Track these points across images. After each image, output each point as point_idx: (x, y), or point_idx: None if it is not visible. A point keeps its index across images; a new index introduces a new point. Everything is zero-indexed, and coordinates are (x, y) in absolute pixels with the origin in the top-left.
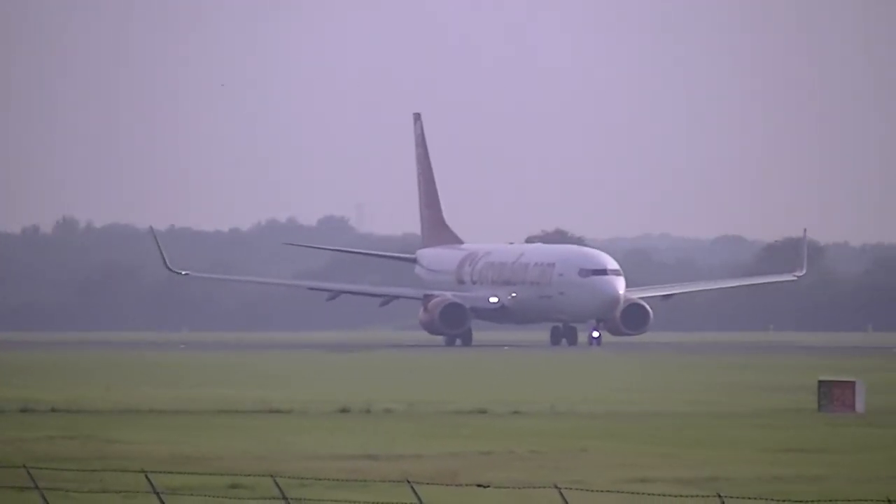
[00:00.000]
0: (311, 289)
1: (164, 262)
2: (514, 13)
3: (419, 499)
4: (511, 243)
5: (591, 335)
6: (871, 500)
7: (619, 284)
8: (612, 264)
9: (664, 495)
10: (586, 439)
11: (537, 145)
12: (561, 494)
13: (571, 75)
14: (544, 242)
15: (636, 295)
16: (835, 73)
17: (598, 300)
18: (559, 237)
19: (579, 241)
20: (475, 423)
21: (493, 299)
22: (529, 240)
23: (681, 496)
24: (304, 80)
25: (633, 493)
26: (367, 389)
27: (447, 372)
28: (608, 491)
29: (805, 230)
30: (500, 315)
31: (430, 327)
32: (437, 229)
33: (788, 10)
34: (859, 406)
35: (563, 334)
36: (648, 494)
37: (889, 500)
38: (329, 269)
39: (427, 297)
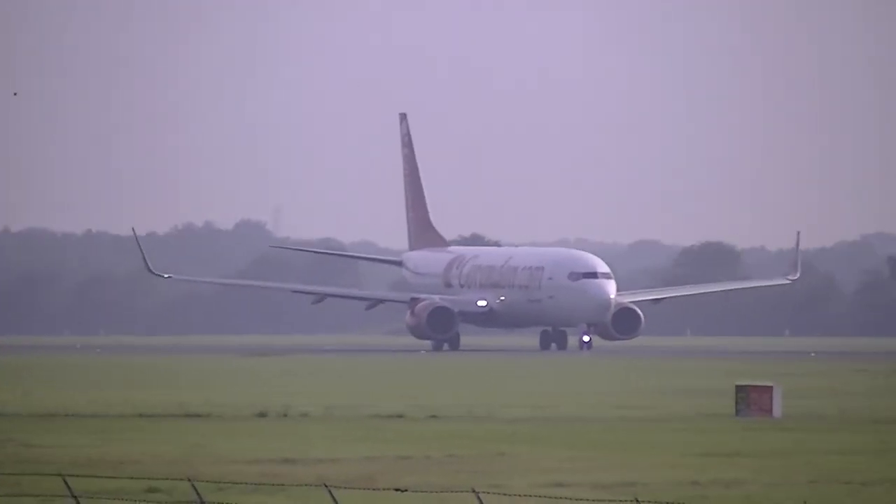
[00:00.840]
0: (296, 291)
1: (146, 265)
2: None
3: (336, 502)
4: (498, 245)
5: (581, 339)
6: None
7: (610, 288)
8: (602, 267)
9: (581, 500)
10: (504, 443)
11: (448, 151)
12: (478, 498)
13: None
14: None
15: (627, 299)
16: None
17: (589, 304)
18: (476, 241)
19: (496, 246)
20: (392, 428)
21: (482, 303)
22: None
23: (597, 501)
24: (218, 84)
25: (549, 497)
26: (286, 394)
27: (377, 376)
28: (525, 495)
29: (798, 233)
30: (489, 319)
31: (417, 331)
32: (423, 231)
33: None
34: (776, 411)
35: (553, 339)
36: (565, 499)
37: None
38: (250, 270)
39: (414, 301)
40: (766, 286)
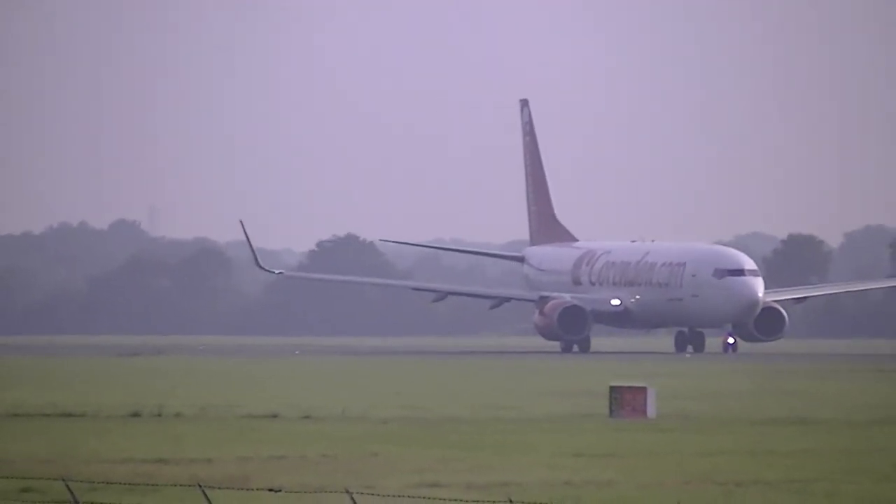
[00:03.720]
0: (416, 289)
1: (256, 261)
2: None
3: (209, 502)
4: (633, 241)
5: (726, 342)
6: None
7: (759, 286)
8: (749, 264)
9: (455, 500)
10: (378, 444)
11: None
12: (352, 499)
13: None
14: (335, 246)
15: (770, 298)
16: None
17: (736, 303)
18: (351, 241)
19: (370, 247)
20: (266, 428)
21: (615, 302)
22: (320, 245)
23: (472, 501)
24: (96, 84)
25: (423, 497)
26: (160, 394)
27: (253, 377)
28: (399, 496)
29: None
30: (623, 319)
31: (546, 332)
32: (546, 225)
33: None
34: (650, 411)
35: (690, 340)
36: (439, 499)
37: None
38: (125, 268)
39: (542, 300)
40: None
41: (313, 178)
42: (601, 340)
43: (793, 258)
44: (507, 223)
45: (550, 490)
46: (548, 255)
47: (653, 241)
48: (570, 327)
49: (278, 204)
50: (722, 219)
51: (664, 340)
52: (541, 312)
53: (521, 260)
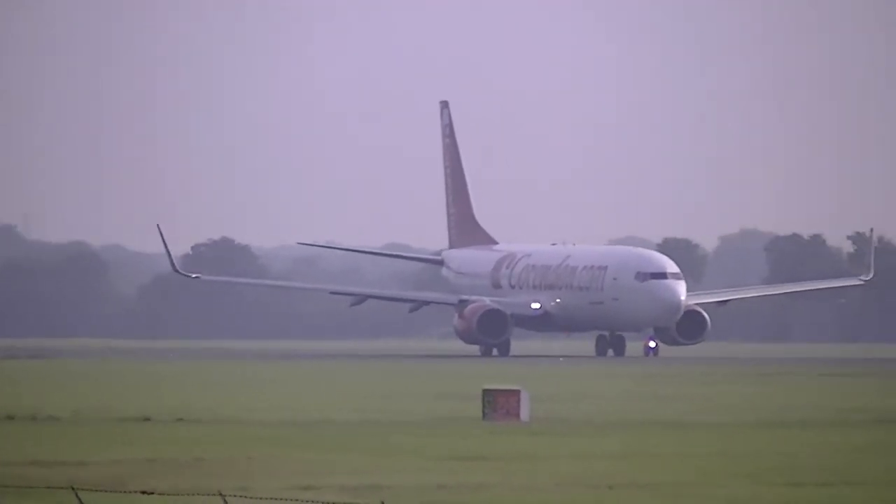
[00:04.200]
0: (334, 293)
1: (173, 266)
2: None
3: None
4: (554, 244)
5: (647, 345)
6: None
7: (681, 289)
8: (671, 267)
9: (329, 503)
10: (252, 446)
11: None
12: (224, 501)
13: None
14: (210, 250)
15: (691, 301)
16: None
17: (658, 307)
18: (226, 244)
19: (245, 249)
20: (139, 431)
21: (535, 305)
22: (195, 248)
23: None
24: None
25: (297, 500)
26: (35, 397)
27: (126, 380)
28: (272, 498)
29: (871, 230)
30: (544, 323)
31: (466, 336)
32: (466, 228)
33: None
34: (523, 415)
35: (610, 344)
36: (312, 502)
37: None
38: (3, 273)
39: (462, 303)
40: (833, 288)
41: (191, 180)
42: (523, 343)
43: None
44: (391, 223)
45: (423, 493)
46: (467, 257)
47: (574, 244)
48: (490, 331)
49: (155, 207)
50: (598, 223)
51: (586, 344)
52: (460, 316)
53: (440, 263)
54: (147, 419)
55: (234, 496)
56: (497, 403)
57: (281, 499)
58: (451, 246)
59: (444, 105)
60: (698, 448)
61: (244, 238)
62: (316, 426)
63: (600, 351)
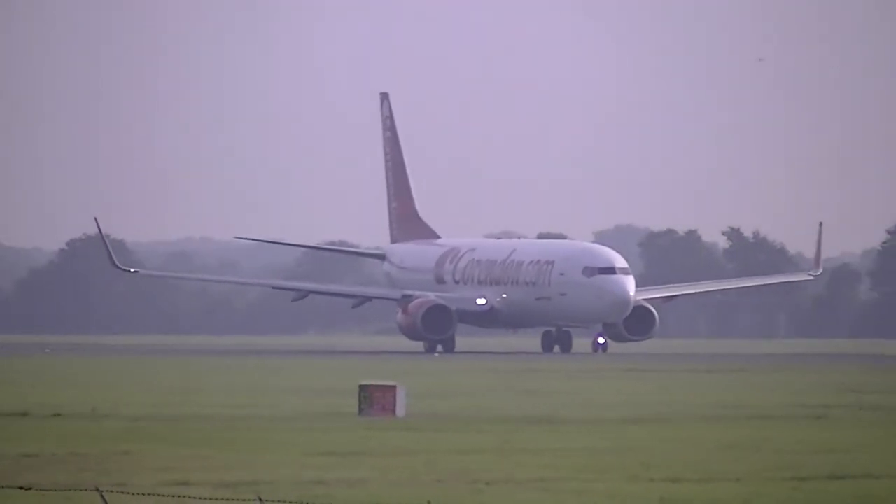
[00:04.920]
0: (276, 288)
1: (112, 260)
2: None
3: None
4: (499, 237)
5: (596, 341)
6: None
7: (630, 285)
8: (620, 262)
9: (205, 499)
10: (129, 442)
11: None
12: (102, 497)
13: None
14: (86, 245)
15: (639, 297)
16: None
17: (607, 302)
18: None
19: (120, 245)
20: (15, 426)
21: (481, 301)
22: (70, 243)
23: (222, 499)
24: None
25: (174, 496)
26: None
27: (12, 375)
28: (149, 494)
29: (821, 224)
30: (489, 319)
31: (410, 332)
32: (408, 222)
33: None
34: (399, 410)
35: (557, 340)
36: (189, 497)
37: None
38: None
39: (406, 299)
40: (779, 283)
41: (67, 175)
42: (469, 340)
43: None
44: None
45: (301, 488)
46: (410, 252)
47: (519, 238)
48: (435, 327)
49: (28, 203)
50: (474, 218)
51: (533, 340)
52: (404, 311)
53: (381, 258)
54: (24, 414)
55: (112, 492)
56: (373, 399)
57: (158, 494)
58: (393, 241)
59: (385, 97)
60: (572, 443)
61: (118, 233)
62: (192, 421)
63: (546, 347)
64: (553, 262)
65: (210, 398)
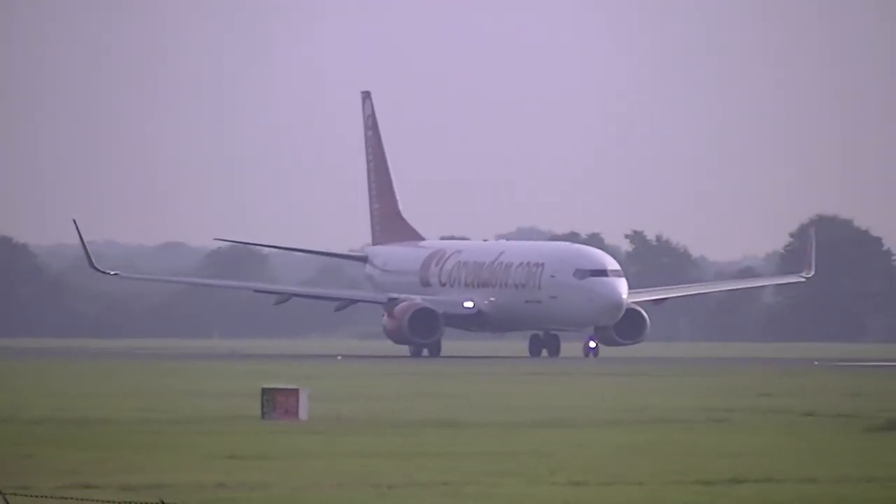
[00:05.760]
0: (258, 291)
1: (90, 262)
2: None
3: None
4: (485, 240)
5: (587, 345)
6: None
7: (623, 287)
8: (612, 264)
9: (109, 501)
10: (31, 445)
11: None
12: (4, 499)
13: None
14: None
15: (630, 299)
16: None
17: (599, 305)
18: (4, 243)
19: (22, 249)
20: None
21: (469, 304)
22: (3, 240)
23: (125, 502)
24: None
25: (77, 499)
26: None
27: None
28: (52, 497)
29: (813, 227)
30: (477, 322)
31: (396, 336)
32: (391, 224)
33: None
34: (302, 413)
35: (544, 344)
36: (92, 500)
37: None
38: None
39: (392, 302)
40: (774, 284)
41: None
42: (457, 344)
43: None
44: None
45: (203, 491)
46: (393, 254)
47: (507, 240)
48: (421, 330)
49: None
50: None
51: (520, 344)
52: (390, 315)
53: (363, 260)
54: None
55: (15, 494)
56: (276, 402)
57: (61, 497)
58: (375, 243)
59: (367, 95)
60: (474, 447)
61: (22, 237)
62: (97, 424)
63: (534, 351)
64: (543, 264)
65: (113, 401)
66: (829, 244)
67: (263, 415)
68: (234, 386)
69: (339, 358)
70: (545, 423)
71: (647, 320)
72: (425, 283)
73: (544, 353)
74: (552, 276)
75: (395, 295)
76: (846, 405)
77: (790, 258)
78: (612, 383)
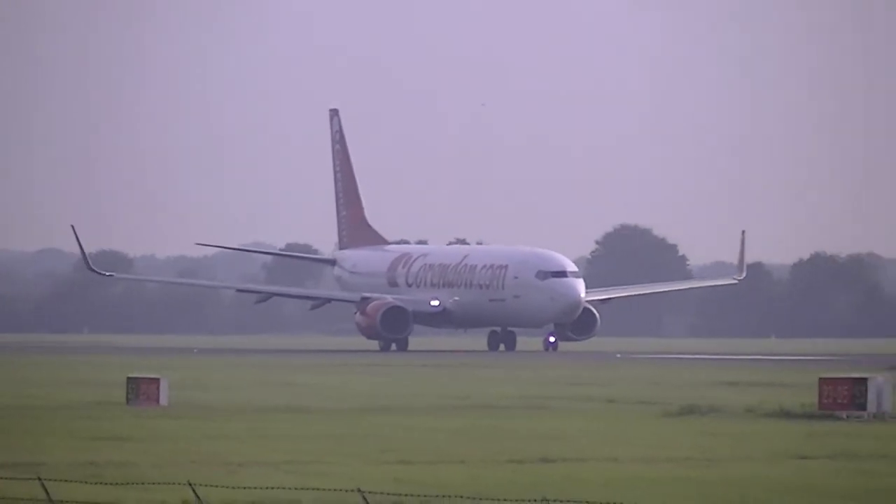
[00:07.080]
0: (241, 290)
1: (87, 264)
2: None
3: None
4: (450, 243)
5: (547, 340)
6: (172, 483)
7: (581, 287)
8: (571, 266)
9: None
10: None
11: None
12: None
13: None
14: None
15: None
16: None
17: (559, 304)
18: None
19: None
20: None
21: (435, 303)
22: None
23: (3, 478)
24: None
25: None
26: None
27: None
28: None
29: (743, 232)
30: (443, 319)
31: (368, 332)
32: (357, 230)
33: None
34: (163, 400)
35: (502, 339)
36: None
37: (190, 482)
38: None
39: (364, 301)
40: (706, 287)
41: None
42: (421, 340)
43: None
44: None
45: (75, 470)
46: (361, 258)
47: (472, 243)
48: (392, 327)
49: None
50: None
51: (480, 339)
52: (363, 312)
53: (332, 263)
54: None
55: None
56: (140, 390)
57: None
58: (342, 247)
59: (335, 113)
60: (316, 431)
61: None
62: None
63: (492, 346)
64: (507, 266)
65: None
66: (631, 250)
67: (129, 401)
68: (103, 376)
69: (195, 351)
70: (381, 409)
71: (598, 318)
72: (392, 284)
73: (501, 347)
74: (515, 277)
75: (367, 294)
76: (646, 393)
77: (596, 263)
78: (443, 373)
